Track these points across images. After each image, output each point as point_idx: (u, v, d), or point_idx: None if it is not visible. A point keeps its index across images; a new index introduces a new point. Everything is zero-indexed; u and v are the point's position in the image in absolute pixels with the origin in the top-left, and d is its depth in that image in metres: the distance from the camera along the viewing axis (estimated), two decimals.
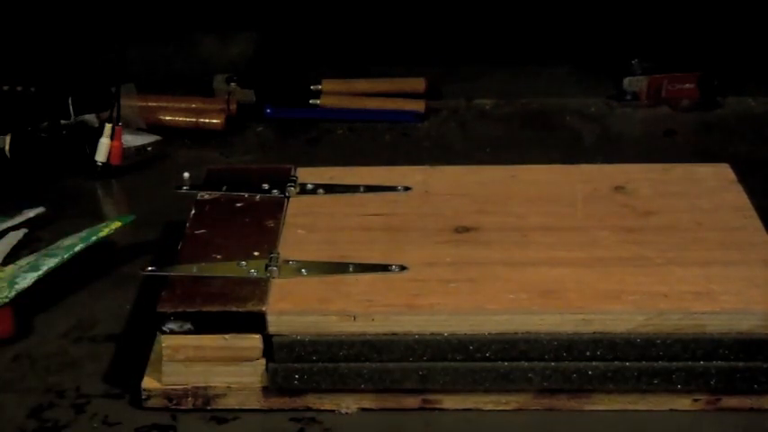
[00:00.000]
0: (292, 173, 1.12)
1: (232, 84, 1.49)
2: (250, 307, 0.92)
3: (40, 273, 1.09)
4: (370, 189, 1.10)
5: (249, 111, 1.47)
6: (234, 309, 0.92)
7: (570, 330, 0.91)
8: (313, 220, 1.05)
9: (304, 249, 1.00)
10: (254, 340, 0.92)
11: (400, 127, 1.44)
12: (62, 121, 1.39)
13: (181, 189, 1.13)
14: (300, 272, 0.96)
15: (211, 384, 0.93)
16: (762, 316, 0.91)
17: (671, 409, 0.93)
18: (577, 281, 0.95)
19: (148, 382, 0.94)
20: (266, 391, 0.93)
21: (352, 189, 1.10)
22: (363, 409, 0.94)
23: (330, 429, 0.92)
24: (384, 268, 0.97)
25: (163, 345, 0.92)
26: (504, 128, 1.44)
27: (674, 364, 0.91)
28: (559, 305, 0.92)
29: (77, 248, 1.13)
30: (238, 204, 1.07)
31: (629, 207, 1.06)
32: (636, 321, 0.91)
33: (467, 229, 1.03)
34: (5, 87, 1.42)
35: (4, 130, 1.36)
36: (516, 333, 0.91)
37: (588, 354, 0.91)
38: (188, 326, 0.91)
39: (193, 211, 1.07)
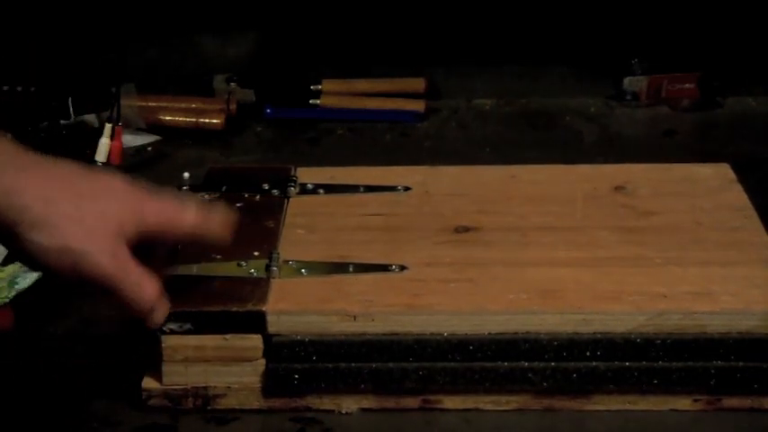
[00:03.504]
0: (292, 173, 1.12)
1: (232, 84, 1.49)
2: (250, 307, 0.92)
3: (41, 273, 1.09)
4: (370, 189, 1.10)
5: (249, 111, 1.47)
6: (234, 309, 0.92)
7: (570, 330, 0.91)
8: (313, 220, 1.05)
9: (304, 249, 1.00)
10: (255, 340, 0.92)
11: (400, 127, 1.44)
12: (62, 121, 1.39)
13: (181, 189, 1.13)
14: (300, 272, 0.96)
15: (211, 384, 0.93)
16: (762, 316, 0.91)
17: (671, 409, 0.93)
18: (577, 281, 0.95)
19: (148, 382, 0.94)
20: (266, 391, 0.93)
21: (352, 189, 1.10)
22: (363, 409, 0.94)
23: (330, 429, 0.92)
24: (384, 268, 0.97)
25: (163, 345, 0.92)
26: (504, 128, 1.44)
27: (674, 364, 0.91)
28: (559, 305, 0.92)
29: None
30: (238, 204, 1.07)
31: (629, 207, 1.06)
32: (636, 321, 0.91)
33: (467, 229, 1.03)
34: (5, 87, 1.42)
35: (4, 130, 1.35)
36: (516, 333, 0.91)
37: (588, 354, 0.91)
38: (188, 326, 0.91)
39: None
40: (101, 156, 1.32)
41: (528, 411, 0.93)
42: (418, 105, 1.47)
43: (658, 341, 0.91)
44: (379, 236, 1.03)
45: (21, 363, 1.01)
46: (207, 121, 1.42)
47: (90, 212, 0.85)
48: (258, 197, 1.09)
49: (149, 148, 1.39)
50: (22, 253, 0.84)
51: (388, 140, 1.42)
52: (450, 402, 0.94)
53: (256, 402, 0.94)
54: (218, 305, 0.92)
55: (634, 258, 0.98)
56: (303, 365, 0.92)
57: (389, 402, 0.94)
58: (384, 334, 0.91)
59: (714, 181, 1.11)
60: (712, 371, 0.91)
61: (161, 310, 0.90)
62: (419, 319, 0.91)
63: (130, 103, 1.40)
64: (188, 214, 0.90)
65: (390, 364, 0.92)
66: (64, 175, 0.86)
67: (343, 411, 0.94)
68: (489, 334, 0.91)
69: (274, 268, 0.96)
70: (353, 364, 0.92)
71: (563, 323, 0.91)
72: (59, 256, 0.84)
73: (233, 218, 0.93)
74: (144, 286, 0.88)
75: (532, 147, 1.38)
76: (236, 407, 0.94)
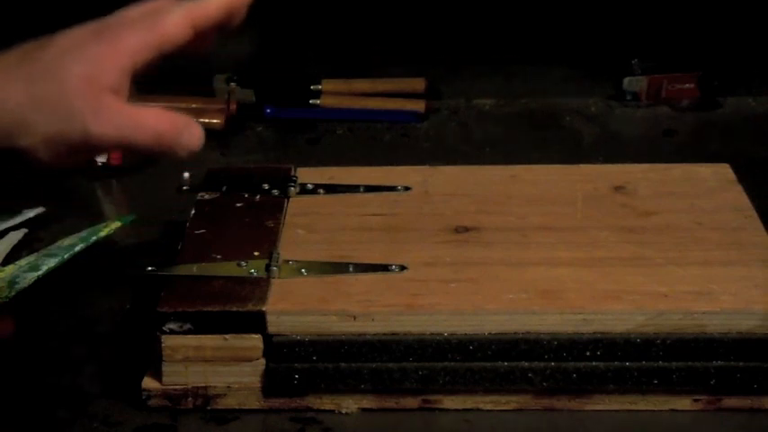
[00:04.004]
0: (292, 173, 1.12)
1: (232, 84, 1.49)
2: (250, 307, 0.92)
3: (40, 273, 1.09)
4: (370, 189, 1.10)
5: (249, 111, 1.47)
6: (234, 309, 0.92)
7: (570, 330, 0.91)
8: (313, 220, 1.05)
9: (304, 249, 1.00)
10: (255, 340, 0.92)
11: (400, 127, 1.44)
12: None
13: (181, 189, 1.13)
14: (300, 272, 0.96)
15: (211, 384, 0.93)
16: (762, 316, 0.91)
17: (671, 409, 0.93)
18: (577, 281, 0.95)
19: (148, 382, 0.94)
20: (266, 391, 0.93)
21: (352, 189, 1.10)
22: (363, 409, 0.94)
23: (330, 429, 0.92)
24: (384, 268, 0.97)
25: (163, 345, 0.92)
26: (504, 128, 1.44)
27: (674, 364, 0.91)
28: (559, 305, 0.92)
29: (77, 248, 1.13)
30: (238, 204, 1.08)
31: (629, 207, 1.06)
32: (636, 321, 0.91)
33: (467, 229, 1.03)
34: None
35: None
36: (516, 333, 0.91)
37: (588, 354, 0.91)
38: (188, 326, 0.91)
39: (193, 211, 1.07)
40: (101, 156, 1.31)
41: (528, 411, 0.93)
42: (418, 105, 1.47)
43: (658, 341, 0.91)
44: (379, 236, 1.03)
45: (21, 363, 1.01)
46: (207, 121, 1.42)
47: (49, 91, 0.76)
48: (258, 197, 1.09)
49: None
50: (20, 164, 0.77)
51: (388, 140, 1.42)
52: (450, 402, 0.94)
53: (256, 402, 0.94)
54: (218, 305, 0.92)
55: (634, 258, 0.98)
56: (303, 365, 0.92)
57: (389, 402, 0.94)
58: (384, 334, 0.91)
59: (714, 181, 1.10)
60: (712, 371, 0.91)
61: (189, 131, 0.81)
62: (419, 319, 0.91)
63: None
64: (170, 20, 0.81)
65: (390, 364, 0.92)
66: (8, 64, 0.77)
67: (343, 411, 0.94)
68: (489, 334, 0.91)
69: (274, 268, 0.96)
70: (353, 364, 0.92)
71: (563, 323, 0.91)
72: (49, 150, 0.76)
73: None
74: (152, 122, 0.79)
75: (532, 147, 1.38)
76: (236, 407, 0.94)
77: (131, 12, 0.82)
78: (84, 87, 0.77)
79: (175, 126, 0.81)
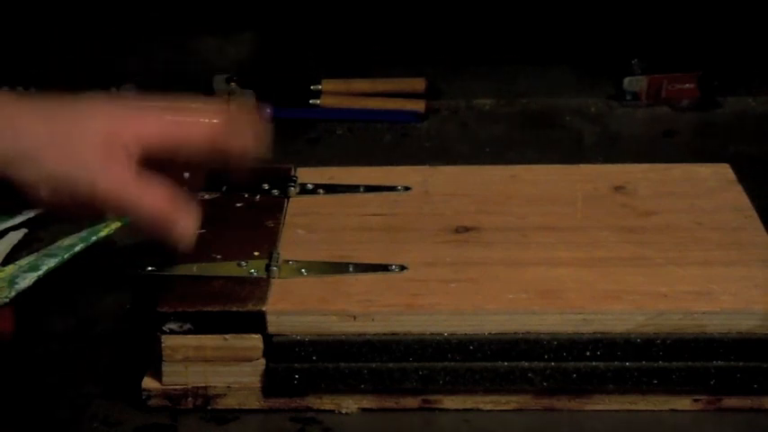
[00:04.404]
0: (292, 173, 1.12)
1: (232, 84, 1.49)
2: (250, 307, 0.92)
3: (40, 273, 1.09)
4: (370, 189, 1.10)
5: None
6: (234, 309, 0.92)
7: (570, 330, 0.91)
8: (313, 220, 1.05)
9: (304, 249, 1.00)
10: (255, 340, 0.92)
11: (400, 127, 1.44)
12: None
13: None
14: (300, 272, 0.96)
15: (211, 384, 0.93)
16: (762, 316, 0.91)
17: (671, 409, 0.93)
18: (577, 281, 0.95)
19: (148, 382, 0.94)
20: (266, 391, 0.93)
21: (352, 189, 1.10)
22: (363, 409, 0.94)
23: (330, 429, 0.92)
24: (384, 268, 0.97)
25: (163, 345, 0.92)
26: (504, 128, 1.44)
27: (674, 364, 0.91)
28: (559, 305, 0.92)
29: (77, 248, 1.13)
30: (238, 204, 1.08)
31: (629, 207, 1.06)
32: (636, 321, 0.91)
33: (467, 229, 1.03)
34: (5, 87, 1.42)
35: None
36: (516, 333, 0.91)
37: (588, 354, 0.91)
38: (188, 326, 0.91)
39: None
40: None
41: (528, 411, 0.93)
42: (418, 105, 1.47)
43: (658, 341, 0.91)
44: (379, 236, 1.03)
45: (20, 363, 1.01)
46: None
47: (68, 134, 0.78)
48: (258, 197, 1.09)
49: None
50: (21, 197, 0.79)
51: (388, 140, 1.42)
52: (450, 402, 0.94)
53: (256, 402, 0.94)
54: (218, 305, 0.92)
55: (634, 258, 0.98)
56: (303, 365, 0.92)
57: (389, 402, 0.94)
58: (384, 334, 0.91)
59: (714, 181, 1.10)
60: (712, 371, 0.91)
61: (184, 221, 0.83)
62: (419, 319, 0.91)
63: None
64: (200, 123, 0.83)
65: (390, 364, 0.92)
66: (35, 106, 0.80)
67: (343, 411, 0.94)
68: (489, 334, 0.91)
69: (274, 268, 0.96)
70: (353, 364, 0.92)
71: (563, 323, 0.91)
72: (51, 190, 0.78)
73: (263, 124, 0.85)
74: (149, 197, 0.80)
75: (532, 147, 1.38)
76: (236, 407, 0.94)
77: (160, 102, 0.86)
78: (103, 139, 0.79)
79: (174, 210, 0.83)
